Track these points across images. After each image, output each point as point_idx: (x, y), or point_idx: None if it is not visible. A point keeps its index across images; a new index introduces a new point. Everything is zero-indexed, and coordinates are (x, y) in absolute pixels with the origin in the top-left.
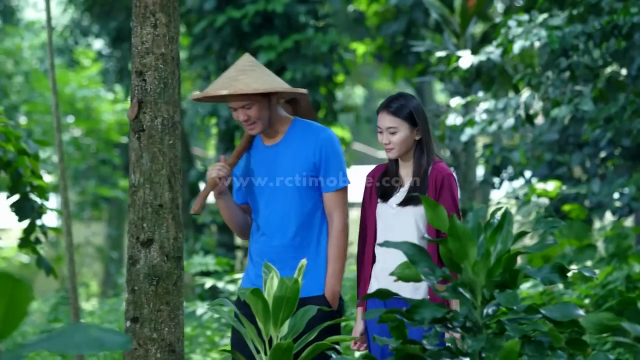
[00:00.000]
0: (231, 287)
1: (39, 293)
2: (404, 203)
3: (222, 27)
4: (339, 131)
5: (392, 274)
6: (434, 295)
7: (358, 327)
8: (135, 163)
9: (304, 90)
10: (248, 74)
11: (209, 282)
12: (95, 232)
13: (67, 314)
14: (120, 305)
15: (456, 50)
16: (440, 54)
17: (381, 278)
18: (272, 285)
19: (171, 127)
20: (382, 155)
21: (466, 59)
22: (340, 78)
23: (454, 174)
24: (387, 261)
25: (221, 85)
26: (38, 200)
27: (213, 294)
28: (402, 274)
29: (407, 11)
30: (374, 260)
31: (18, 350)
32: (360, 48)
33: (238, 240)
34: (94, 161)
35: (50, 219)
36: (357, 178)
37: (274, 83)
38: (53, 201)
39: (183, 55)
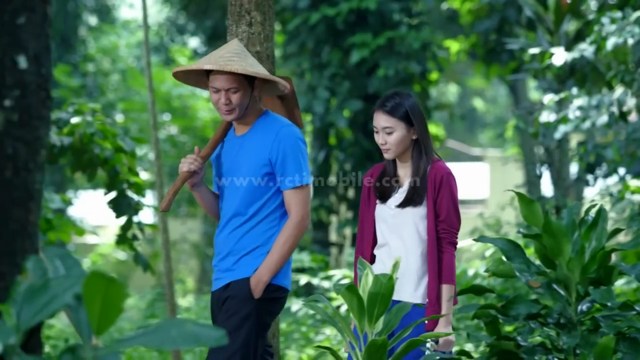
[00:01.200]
0: (326, 284)
1: (136, 289)
2: (403, 204)
3: (316, 24)
4: (433, 128)
5: (487, 270)
6: (432, 299)
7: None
8: None
9: (285, 84)
10: (242, 58)
11: (303, 279)
12: (191, 229)
13: (164, 310)
14: None
15: (550, 48)
16: (534, 51)
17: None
18: (367, 281)
19: None
20: (477, 152)
21: (560, 56)
22: (434, 76)
23: (453, 173)
24: (387, 263)
25: (215, 62)
26: (135, 197)
27: (308, 291)
28: (497, 270)
29: (500, 9)
30: (372, 262)
31: (115, 345)
32: (453, 46)
33: (333, 237)
34: None
35: (146, 216)
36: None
37: (268, 73)
38: (149, 198)
39: (277, 53)
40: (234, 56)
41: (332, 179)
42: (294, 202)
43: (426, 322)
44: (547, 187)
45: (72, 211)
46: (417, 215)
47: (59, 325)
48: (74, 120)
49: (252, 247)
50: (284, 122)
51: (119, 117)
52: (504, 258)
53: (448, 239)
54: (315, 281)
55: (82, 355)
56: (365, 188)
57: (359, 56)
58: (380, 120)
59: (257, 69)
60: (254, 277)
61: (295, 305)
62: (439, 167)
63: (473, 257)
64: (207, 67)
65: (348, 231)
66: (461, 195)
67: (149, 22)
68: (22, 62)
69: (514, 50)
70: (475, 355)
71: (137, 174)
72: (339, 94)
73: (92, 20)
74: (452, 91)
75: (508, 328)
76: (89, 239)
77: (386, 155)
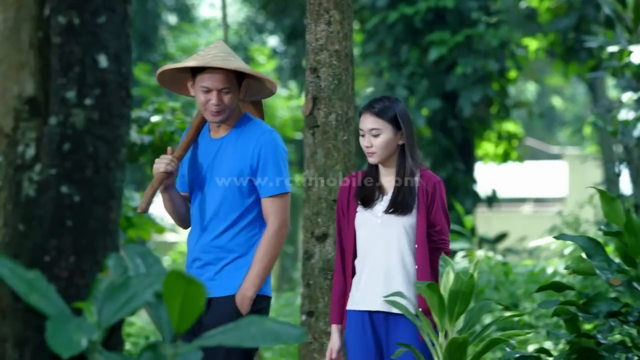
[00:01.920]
0: None
1: None
2: (392, 210)
3: (394, 23)
4: (512, 126)
5: (567, 267)
6: (425, 308)
7: (335, 344)
8: (309, 159)
9: (273, 87)
10: (236, 58)
11: None
12: None
13: None
14: (296, 299)
15: (628, 46)
16: (613, 49)
17: (367, 290)
18: (447, 279)
19: (345, 122)
20: (556, 150)
21: (638, 54)
22: (512, 74)
23: (442, 182)
24: (372, 274)
25: (212, 60)
26: None
27: None
28: (577, 267)
29: (579, 7)
30: (349, 274)
31: (195, 343)
32: (532, 44)
33: None
34: None
35: None
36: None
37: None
38: None
39: (356, 51)
40: (228, 56)
41: None
42: (272, 210)
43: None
44: (626, 185)
45: (151, 209)
46: (406, 224)
47: (140, 323)
48: (154, 118)
49: (233, 256)
50: (265, 127)
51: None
52: (584, 256)
53: (443, 248)
54: None
55: (163, 353)
56: (344, 195)
57: (437, 54)
58: (368, 122)
59: (251, 70)
60: (239, 295)
61: None
62: (429, 176)
63: (552, 255)
64: (215, 64)
65: None
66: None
67: (229, 21)
68: (103, 61)
69: (592, 48)
70: (555, 353)
71: None
72: (418, 93)
73: (172, 19)
74: (530, 89)
75: (587, 326)
76: (169, 236)
77: (371, 159)
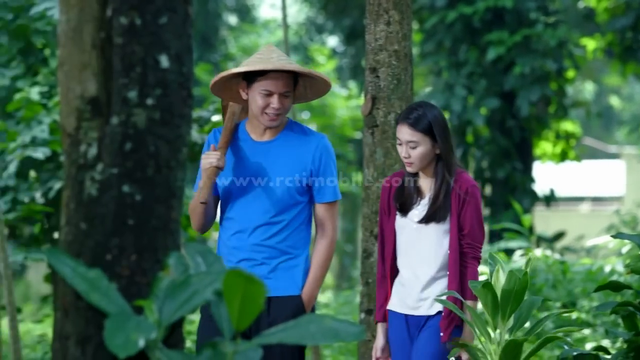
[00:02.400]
0: None
1: None
2: (425, 220)
3: (453, 23)
4: (570, 125)
5: (626, 266)
6: (447, 310)
7: (379, 342)
8: (368, 158)
9: (327, 86)
10: (293, 62)
11: None
12: None
13: None
14: (355, 298)
15: None
16: None
17: (403, 294)
18: (498, 278)
19: None
20: (613, 149)
21: None
22: (570, 73)
23: (478, 185)
24: (408, 278)
25: (279, 63)
26: None
27: None
28: (635, 267)
29: (637, 7)
30: (391, 274)
31: (255, 340)
32: (590, 44)
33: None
34: None
35: None
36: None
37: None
38: None
39: (415, 51)
40: (289, 59)
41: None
42: (328, 215)
43: (442, 334)
44: None
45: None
46: (440, 230)
47: None
48: (215, 118)
49: (286, 257)
50: (319, 133)
51: None
52: None
53: (472, 254)
54: None
55: (223, 350)
56: (385, 197)
57: (495, 54)
58: (405, 134)
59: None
60: (305, 296)
61: None
62: (464, 180)
63: (609, 254)
64: (289, 67)
65: (485, 228)
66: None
67: (289, 21)
68: (164, 61)
69: None
70: (613, 352)
71: None
72: (476, 92)
73: (233, 19)
74: (588, 89)
75: None
76: None
77: (409, 169)
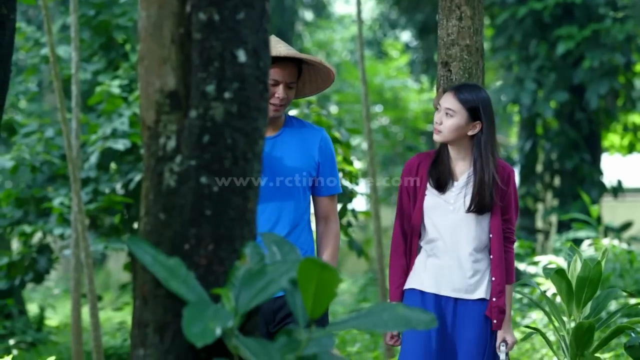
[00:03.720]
0: (532, 269)
1: (349, 274)
2: (474, 209)
3: (523, 18)
4: (638, 118)
5: None
6: (497, 296)
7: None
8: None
9: (329, 77)
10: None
11: None
12: None
13: (375, 295)
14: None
15: None
16: None
17: (438, 274)
18: (575, 267)
19: None
20: None
21: None
22: (638, 67)
23: (514, 171)
24: (444, 259)
25: (288, 51)
26: (349, 185)
27: (515, 276)
28: None
29: None
30: (412, 254)
31: (329, 328)
32: None
33: (539, 224)
34: (401, 148)
35: (360, 204)
36: None
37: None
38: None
39: (486, 46)
40: (295, 50)
41: (539, 168)
42: (332, 208)
43: (495, 321)
44: None
45: None
46: (483, 219)
47: None
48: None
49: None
50: (317, 126)
51: (334, 109)
52: None
53: (512, 238)
54: (522, 267)
55: (298, 337)
56: (412, 174)
57: (564, 48)
58: (447, 100)
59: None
60: None
61: None
62: (504, 166)
63: None
64: (300, 55)
65: (554, 218)
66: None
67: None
68: (242, 55)
69: None
70: None
71: (351, 163)
72: (546, 86)
73: (308, 15)
74: None
75: None
76: None
77: (435, 137)
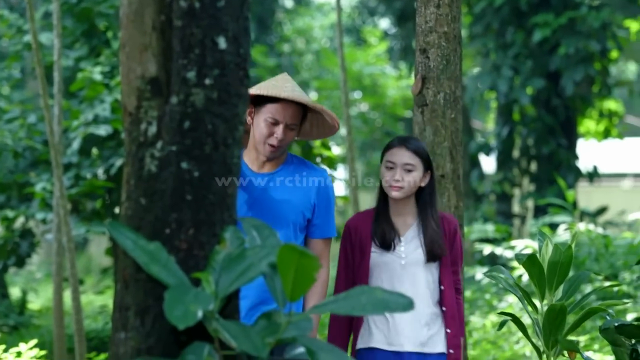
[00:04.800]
0: (509, 253)
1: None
2: (432, 258)
3: (501, 6)
4: (613, 104)
5: None
6: (457, 349)
7: None
8: (418, 136)
9: (334, 126)
10: (306, 96)
11: (487, 249)
12: None
13: None
14: None
15: None
16: None
17: (397, 331)
18: (546, 251)
19: (453, 101)
20: None
21: None
22: (613, 54)
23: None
24: (400, 315)
25: (294, 94)
26: (328, 170)
27: (492, 260)
28: None
29: None
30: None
31: (308, 311)
32: (633, 25)
33: (516, 208)
34: (380, 134)
35: (338, 189)
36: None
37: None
38: (341, 172)
39: (464, 33)
40: (303, 93)
41: (516, 153)
42: (325, 252)
43: None
44: None
45: None
46: (432, 266)
47: None
48: None
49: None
50: (320, 168)
51: (313, 95)
52: None
53: (460, 289)
54: (498, 251)
55: (277, 321)
56: (357, 233)
57: (541, 35)
58: (403, 156)
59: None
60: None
61: (479, 273)
62: (450, 218)
63: None
64: (302, 99)
65: (530, 203)
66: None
67: (342, 4)
68: (222, 42)
69: None
70: None
71: (329, 149)
72: (522, 72)
73: (288, 2)
74: (631, 69)
75: None
76: None
77: (395, 194)
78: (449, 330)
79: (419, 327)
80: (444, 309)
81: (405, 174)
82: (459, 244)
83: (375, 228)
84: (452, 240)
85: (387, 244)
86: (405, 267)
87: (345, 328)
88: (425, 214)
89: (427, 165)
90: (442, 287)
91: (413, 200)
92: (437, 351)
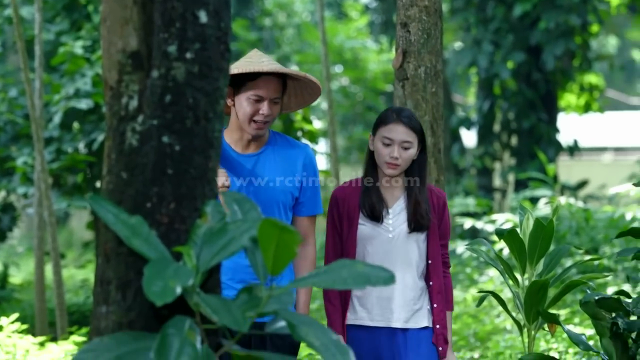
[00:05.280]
0: (489, 227)
1: None
2: (414, 228)
3: None
4: (593, 78)
5: None
6: (443, 324)
7: None
8: None
9: (316, 92)
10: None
11: (468, 222)
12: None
13: None
14: None
15: None
16: None
17: (383, 306)
18: (527, 225)
19: (434, 75)
20: (635, 101)
21: None
22: (594, 28)
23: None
24: (386, 290)
25: (274, 66)
26: (309, 143)
27: (473, 234)
28: None
29: None
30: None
31: (289, 285)
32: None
33: (497, 182)
34: (361, 108)
35: (320, 162)
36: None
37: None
38: (322, 145)
39: (445, 7)
40: (279, 64)
41: (497, 127)
42: (312, 229)
43: (440, 348)
44: None
45: None
46: (420, 239)
47: None
48: None
49: (285, 277)
50: (302, 143)
51: (294, 69)
52: None
53: (448, 263)
54: (479, 224)
55: (258, 295)
56: (344, 204)
57: (521, 10)
58: (401, 133)
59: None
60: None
61: (460, 247)
62: (438, 191)
63: (631, 202)
64: (285, 71)
65: (511, 177)
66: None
67: None
68: (203, 16)
69: None
70: (634, 295)
71: (310, 122)
72: (503, 47)
73: None
74: (611, 43)
75: None
76: None
77: (391, 171)
78: (435, 305)
79: (404, 302)
80: (430, 283)
81: (402, 152)
82: (447, 218)
83: (364, 200)
84: (440, 214)
85: (376, 216)
86: (393, 240)
87: (337, 304)
88: (413, 186)
89: (421, 140)
90: (430, 261)
91: (403, 173)
92: (421, 326)
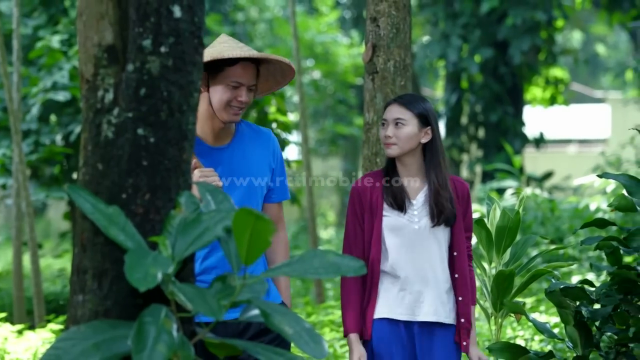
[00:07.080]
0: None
1: None
2: (439, 221)
3: None
4: (558, 72)
5: (609, 205)
6: (468, 318)
7: (361, 353)
8: (369, 102)
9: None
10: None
11: None
12: (332, 166)
13: (306, 242)
14: None
15: None
16: None
17: (406, 299)
18: (494, 215)
19: (403, 69)
20: (599, 94)
21: None
22: (559, 23)
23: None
24: (411, 282)
25: (258, 54)
26: (283, 134)
27: None
28: (619, 204)
29: None
30: (374, 281)
31: (261, 274)
32: None
33: (464, 174)
34: (332, 101)
35: (292, 154)
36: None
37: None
38: (294, 138)
39: (414, 2)
40: (254, 51)
41: (464, 120)
42: (281, 215)
43: (464, 343)
44: None
45: None
46: (446, 232)
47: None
48: None
49: (258, 265)
50: (265, 128)
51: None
52: (625, 193)
53: (472, 256)
54: None
55: (232, 284)
56: (366, 196)
57: (489, 6)
58: (393, 111)
59: None
60: (287, 303)
61: None
62: (461, 182)
63: (595, 193)
64: (268, 56)
65: (478, 168)
66: (584, 135)
67: None
68: (177, 11)
69: None
70: (597, 284)
71: (285, 114)
72: (471, 41)
73: None
74: (576, 37)
75: (628, 259)
76: None
77: (389, 151)
78: (460, 298)
79: (438, 294)
80: (456, 275)
81: (395, 129)
82: (471, 211)
83: (387, 189)
84: (465, 205)
85: (400, 205)
86: (419, 231)
87: (357, 297)
88: (433, 172)
89: (424, 121)
90: (455, 253)
91: (420, 161)
92: (448, 321)
